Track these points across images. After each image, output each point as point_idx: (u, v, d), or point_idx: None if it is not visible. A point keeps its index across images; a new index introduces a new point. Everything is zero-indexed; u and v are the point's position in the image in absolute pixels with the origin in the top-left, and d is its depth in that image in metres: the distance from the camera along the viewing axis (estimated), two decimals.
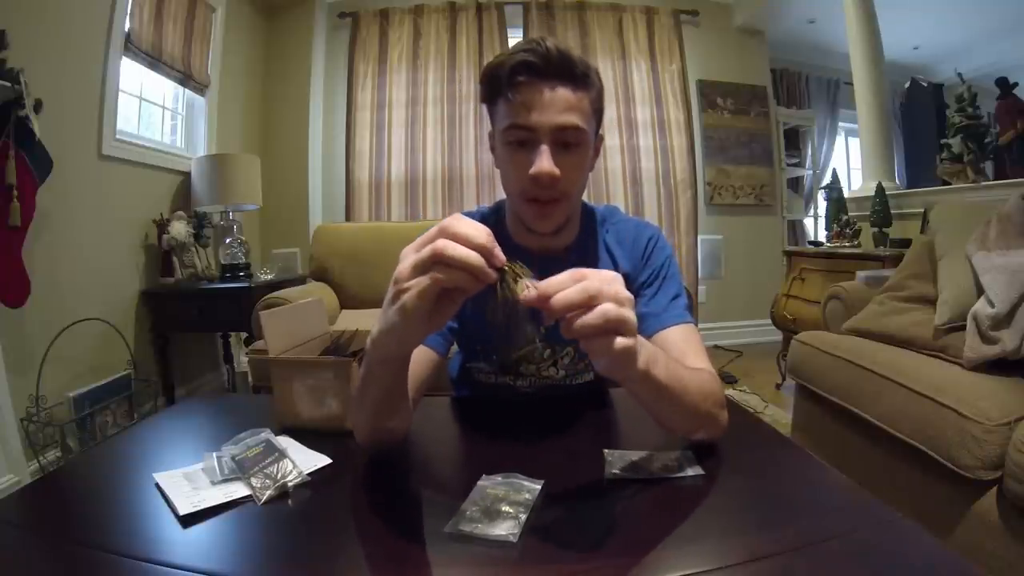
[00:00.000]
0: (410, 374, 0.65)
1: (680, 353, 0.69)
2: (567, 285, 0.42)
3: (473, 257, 0.41)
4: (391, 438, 0.63)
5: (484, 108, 0.74)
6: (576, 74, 0.65)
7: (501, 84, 0.66)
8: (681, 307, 0.75)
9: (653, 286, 0.78)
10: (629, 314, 0.43)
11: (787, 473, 0.61)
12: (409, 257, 0.44)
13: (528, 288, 0.43)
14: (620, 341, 0.43)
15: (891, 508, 0.49)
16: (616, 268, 0.80)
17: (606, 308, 0.41)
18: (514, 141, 0.67)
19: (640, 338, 0.48)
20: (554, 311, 0.41)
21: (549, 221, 0.72)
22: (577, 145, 0.67)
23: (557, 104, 0.64)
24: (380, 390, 0.56)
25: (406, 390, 0.60)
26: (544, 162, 0.65)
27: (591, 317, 0.41)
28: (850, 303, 1.75)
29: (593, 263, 0.80)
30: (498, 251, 0.43)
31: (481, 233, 0.42)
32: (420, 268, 0.42)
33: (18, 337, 1.76)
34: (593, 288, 0.42)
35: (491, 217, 0.83)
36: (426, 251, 0.42)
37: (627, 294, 0.44)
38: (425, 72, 3.45)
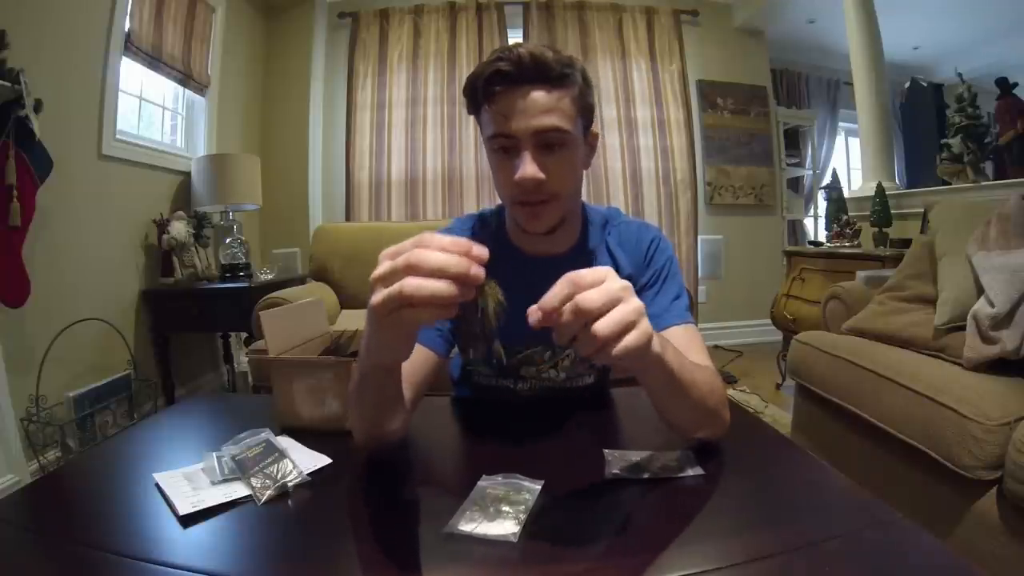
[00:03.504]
0: (410, 374, 0.66)
1: (683, 352, 0.69)
2: (558, 299, 0.42)
3: (441, 292, 0.39)
4: (389, 439, 0.63)
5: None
6: (551, 75, 0.65)
7: (479, 96, 0.67)
8: (682, 308, 0.76)
9: (655, 287, 0.78)
10: (628, 310, 0.43)
11: (787, 473, 0.61)
12: (377, 288, 0.42)
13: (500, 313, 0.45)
14: (631, 338, 0.43)
15: (891, 508, 0.49)
16: (618, 270, 0.79)
17: (608, 321, 0.42)
18: (499, 149, 0.68)
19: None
20: (544, 321, 0.42)
21: (540, 222, 0.72)
22: (561, 145, 0.67)
23: (533, 108, 0.65)
24: (375, 395, 0.57)
25: (402, 394, 0.60)
26: (527, 168, 0.65)
27: (604, 328, 0.41)
28: (850, 303, 1.75)
29: (594, 266, 0.79)
30: (475, 271, 0.40)
31: (452, 261, 0.39)
32: (388, 304, 0.40)
33: (18, 337, 1.76)
34: (586, 303, 0.42)
35: (492, 220, 0.83)
36: (391, 292, 0.40)
37: (619, 284, 0.44)
38: (425, 72, 3.45)
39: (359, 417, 0.61)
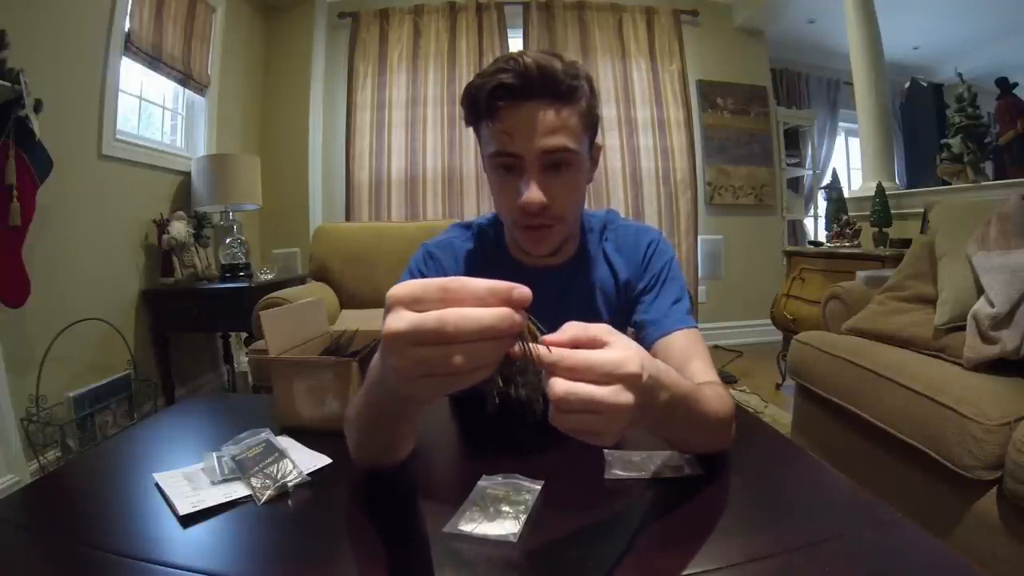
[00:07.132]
0: None
1: (683, 361, 0.67)
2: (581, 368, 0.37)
3: (488, 359, 0.33)
4: (394, 463, 0.58)
5: None
6: (560, 90, 0.61)
7: (479, 109, 0.63)
8: (683, 311, 0.73)
9: (653, 291, 0.76)
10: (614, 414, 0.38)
11: (787, 473, 0.61)
12: (398, 347, 0.33)
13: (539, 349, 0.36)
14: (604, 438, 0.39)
15: (891, 508, 0.49)
16: (615, 277, 0.78)
17: (588, 419, 0.38)
18: (500, 166, 0.65)
19: (659, 374, 0.43)
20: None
21: (544, 245, 0.69)
22: (568, 166, 0.64)
23: (541, 127, 0.60)
24: (395, 425, 0.51)
25: (421, 417, 0.55)
26: (532, 193, 0.62)
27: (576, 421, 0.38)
28: (850, 303, 1.75)
29: (591, 275, 0.78)
30: (519, 320, 0.33)
31: (497, 318, 0.32)
32: (415, 372, 0.33)
33: (18, 337, 1.76)
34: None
35: (489, 230, 0.80)
36: (425, 360, 0.32)
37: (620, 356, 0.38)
38: (425, 72, 3.45)
39: (367, 445, 0.56)
